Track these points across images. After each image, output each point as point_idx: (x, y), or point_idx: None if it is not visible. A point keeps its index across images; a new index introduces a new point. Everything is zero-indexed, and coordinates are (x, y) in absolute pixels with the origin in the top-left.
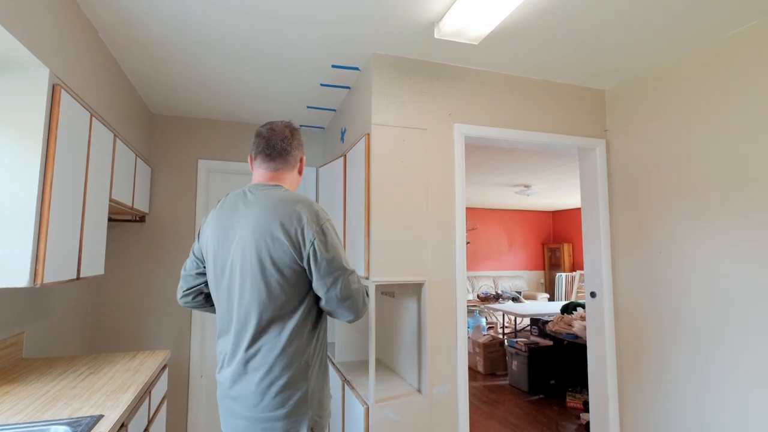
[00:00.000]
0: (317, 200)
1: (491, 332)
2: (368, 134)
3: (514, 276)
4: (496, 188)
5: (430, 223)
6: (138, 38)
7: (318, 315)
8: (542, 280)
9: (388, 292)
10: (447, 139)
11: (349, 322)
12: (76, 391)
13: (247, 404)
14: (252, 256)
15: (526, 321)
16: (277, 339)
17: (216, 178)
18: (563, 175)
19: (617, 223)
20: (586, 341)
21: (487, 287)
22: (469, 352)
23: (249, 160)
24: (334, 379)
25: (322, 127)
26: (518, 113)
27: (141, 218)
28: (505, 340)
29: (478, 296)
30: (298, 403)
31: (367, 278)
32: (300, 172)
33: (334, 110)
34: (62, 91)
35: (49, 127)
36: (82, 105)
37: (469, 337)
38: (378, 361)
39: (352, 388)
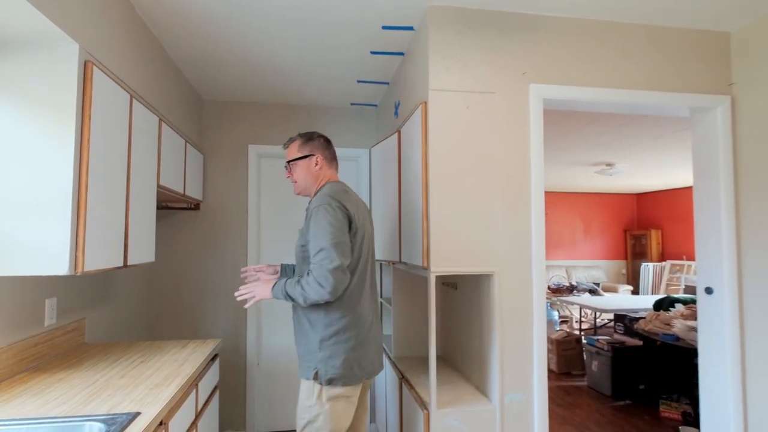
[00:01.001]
0: (369, 183)
1: (565, 327)
2: (425, 102)
3: (590, 266)
4: (571, 168)
5: (500, 206)
6: (173, 11)
7: None
8: (624, 271)
9: (449, 282)
10: (521, 104)
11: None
12: (123, 381)
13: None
14: (374, 237)
15: (607, 316)
16: None
17: (267, 163)
18: (657, 150)
19: (746, 202)
20: (688, 344)
21: (559, 278)
22: None
23: (321, 159)
24: (390, 377)
25: (375, 105)
26: (611, 68)
27: (195, 206)
28: (583, 337)
29: (549, 288)
30: None
31: (425, 268)
32: None
33: (387, 83)
34: (94, 67)
35: (82, 106)
36: (119, 84)
37: None
38: (440, 359)
39: (411, 387)
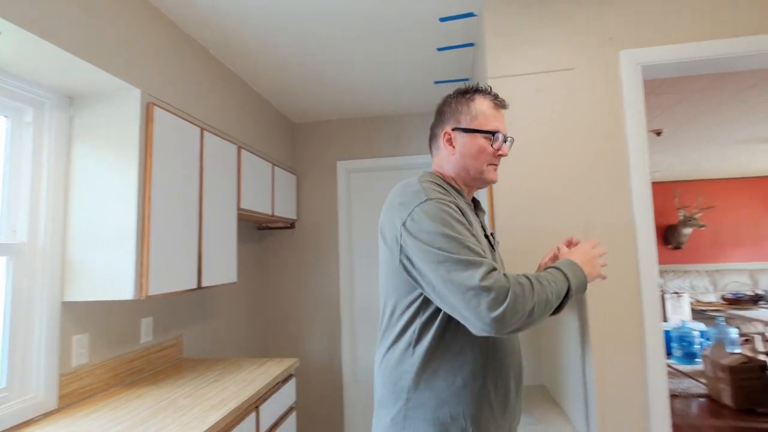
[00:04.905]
0: None
1: (746, 348)
2: None
3: None
4: (744, 148)
5: (588, 203)
6: (243, 47)
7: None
8: None
9: None
10: (609, 78)
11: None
12: (185, 402)
13: None
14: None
15: None
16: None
17: (357, 178)
18: None
19: None
20: None
21: (737, 285)
22: (708, 377)
23: None
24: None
25: None
26: (746, 10)
27: (291, 225)
28: None
29: (723, 298)
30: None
31: None
32: (450, 143)
33: (467, 79)
34: (156, 108)
35: (145, 143)
36: (187, 120)
37: (706, 356)
38: (542, 389)
39: None
